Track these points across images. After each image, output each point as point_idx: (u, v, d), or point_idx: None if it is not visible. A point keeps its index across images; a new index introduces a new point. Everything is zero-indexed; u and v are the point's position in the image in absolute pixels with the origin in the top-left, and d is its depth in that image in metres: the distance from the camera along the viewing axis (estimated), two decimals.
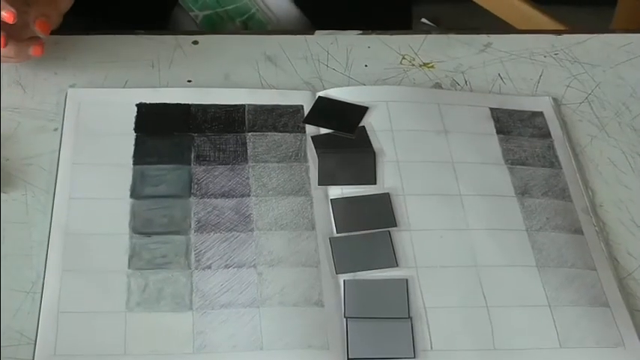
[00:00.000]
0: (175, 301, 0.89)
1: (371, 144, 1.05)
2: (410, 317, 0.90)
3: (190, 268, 0.92)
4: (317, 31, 1.19)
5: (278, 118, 1.07)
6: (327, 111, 1.08)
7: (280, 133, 1.05)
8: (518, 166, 1.05)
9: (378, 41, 1.19)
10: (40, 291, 0.89)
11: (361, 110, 1.08)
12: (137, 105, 1.06)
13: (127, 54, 1.06)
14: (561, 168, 1.06)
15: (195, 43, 1.16)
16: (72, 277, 0.90)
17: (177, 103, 1.07)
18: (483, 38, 1.21)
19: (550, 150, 1.08)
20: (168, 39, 1.15)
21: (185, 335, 0.87)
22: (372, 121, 1.08)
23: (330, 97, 1.10)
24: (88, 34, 1.15)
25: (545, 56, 1.19)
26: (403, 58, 1.17)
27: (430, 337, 0.90)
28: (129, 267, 0.91)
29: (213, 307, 0.89)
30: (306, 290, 0.91)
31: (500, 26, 1.55)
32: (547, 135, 1.09)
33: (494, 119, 1.10)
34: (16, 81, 1.08)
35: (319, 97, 1.09)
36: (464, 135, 1.08)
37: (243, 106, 1.07)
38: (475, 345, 0.89)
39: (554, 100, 1.14)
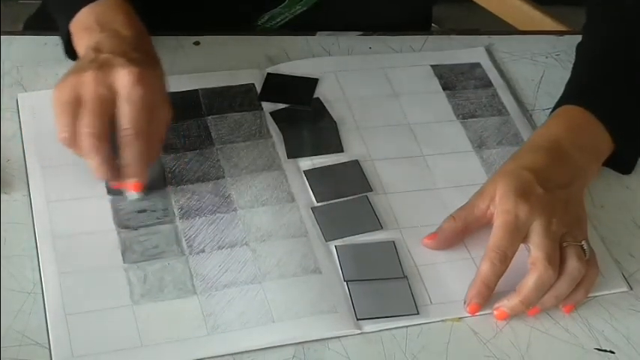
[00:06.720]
0: (178, 288, 0.90)
1: (330, 114, 1.08)
2: (405, 276, 0.94)
3: (184, 254, 0.93)
4: (318, 32, 1.18)
5: (233, 99, 1.08)
6: (279, 86, 1.10)
7: (239, 113, 1.07)
8: (469, 120, 1.10)
9: (379, 42, 1.18)
10: (41, 292, 0.89)
11: (312, 82, 1.11)
12: None
13: None
14: (509, 114, 1.11)
15: (197, 43, 1.15)
16: (70, 279, 0.90)
17: None
18: (485, 39, 1.21)
19: (495, 98, 1.12)
20: (170, 40, 1.14)
21: (196, 319, 0.88)
22: (325, 92, 1.10)
23: (280, 73, 1.12)
24: None
25: (546, 57, 1.19)
26: None
27: (427, 292, 0.93)
28: (124, 261, 0.92)
29: (217, 288, 0.90)
30: (301, 260, 0.94)
31: (501, 27, 1.53)
32: (489, 84, 1.14)
33: (437, 76, 1.14)
34: (18, 82, 1.07)
35: (269, 73, 1.11)
36: (413, 96, 1.12)
37: (196, 91, 1.08)
38: None
39: (487, 49, 1.18)
